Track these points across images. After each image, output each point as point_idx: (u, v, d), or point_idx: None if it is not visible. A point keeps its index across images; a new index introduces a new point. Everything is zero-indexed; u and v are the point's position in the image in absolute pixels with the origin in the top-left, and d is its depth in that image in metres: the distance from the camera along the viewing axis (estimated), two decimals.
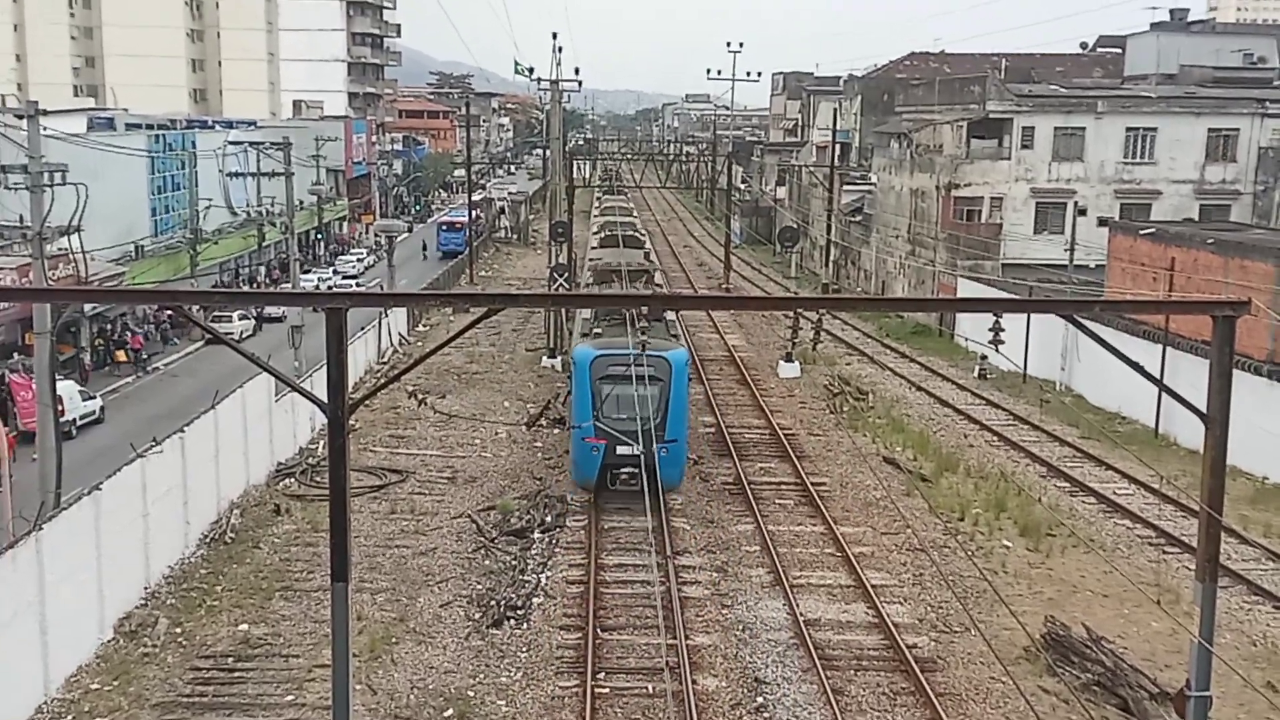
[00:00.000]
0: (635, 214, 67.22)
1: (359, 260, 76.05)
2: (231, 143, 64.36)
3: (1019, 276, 48.26)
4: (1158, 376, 14.05)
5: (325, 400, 10.96)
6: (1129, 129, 52.83)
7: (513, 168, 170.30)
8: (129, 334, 47.22)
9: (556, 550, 25.14)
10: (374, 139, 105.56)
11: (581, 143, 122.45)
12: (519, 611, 21.81)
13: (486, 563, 24.55)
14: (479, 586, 23.22)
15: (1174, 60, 64.37)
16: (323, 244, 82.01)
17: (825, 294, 63.69)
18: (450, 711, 18.42)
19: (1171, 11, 73.42)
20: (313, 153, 72.37)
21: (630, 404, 26.41)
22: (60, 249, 31.43)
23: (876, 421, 36.54)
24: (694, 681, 19.07)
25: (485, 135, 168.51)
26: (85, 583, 19.99)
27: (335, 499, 11.12)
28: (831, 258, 69.02)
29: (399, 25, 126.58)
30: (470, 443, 33.73)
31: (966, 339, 47.23)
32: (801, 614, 21.71)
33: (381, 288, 56.02)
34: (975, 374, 44.15)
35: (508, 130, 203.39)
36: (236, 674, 19.52)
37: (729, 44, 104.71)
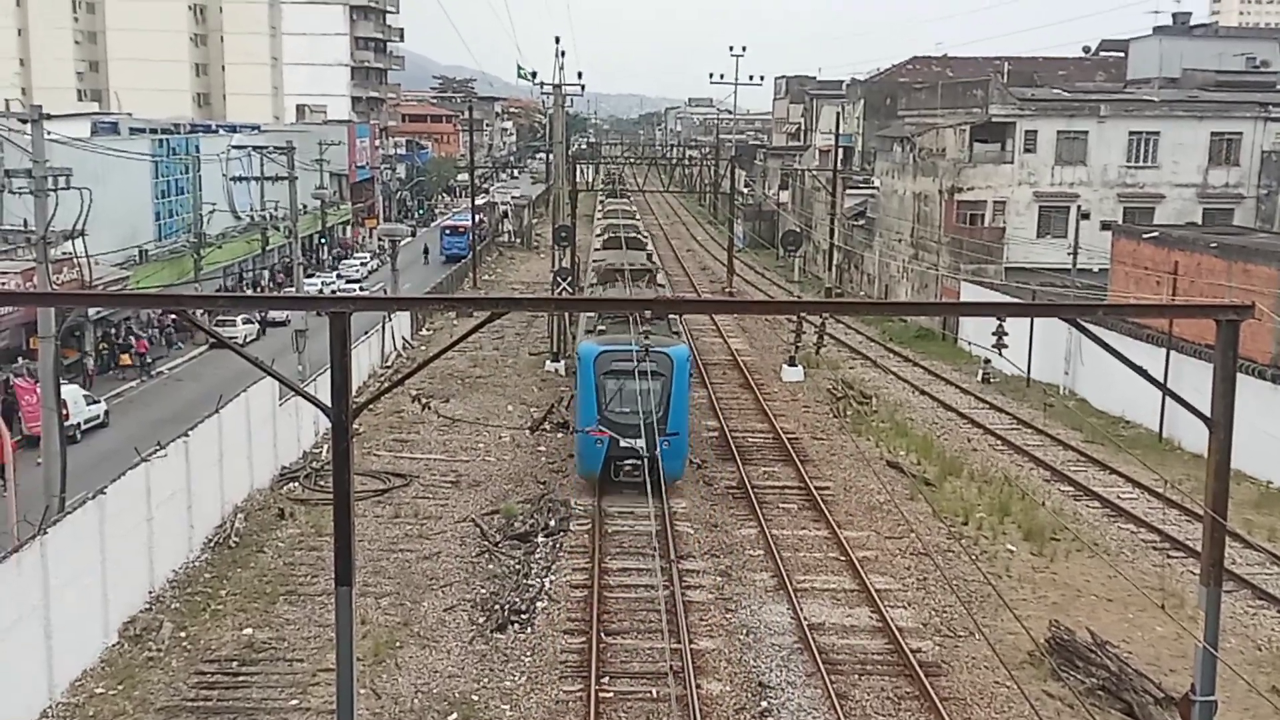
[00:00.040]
0: (638, 216, 67.40)
1: (362, 264, 76.15)
2: (235, 147, 64.44)
3: (1022, 280, 48.22)
4: (1161, 380, 14.05)
5: (329, 404, 10.98)
6: (1132, 133, 52.82)
7: (516, 172, 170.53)
8: (134, 338, 47.28)
9: (560, 554, 25.13)
10: (377, 143, 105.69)
11: (584, 146, 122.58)
12: (523, 616, 21.81)
13: (490, 567, 24.55)
14: (483, 591, 23.22)
15: (1176, 64, 64.45)
16: (326, 248, 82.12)
17: (828, 298, 63.61)
18: (454, 716, 18.42)
19: (1174, 15, 73.52)
20: (316, 157, 72.57)
21: (633, 398, 27.41)
22: (64, 253, 31.47)
23: (880, 425, 36.52)
24: (698, 686, 19.05)
25: (488, 139, 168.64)
26: (90, 587, 20.00)
27: (339, 503, 11.13)
28: (834, 262, 68.98)
29: (402, 29, 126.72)
30: (474, 447, 33.74)
31: (970, 343, 47.25)
32: (805, 618, 21.70)
33: (385, 292, 56.03)
34: (979, 378, 44.13)
35: (511, 134, 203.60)
36: (241, 678, 19.52)
37: (731, 48, 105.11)
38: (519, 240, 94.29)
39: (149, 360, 46.32)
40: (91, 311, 42.57)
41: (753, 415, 37.92)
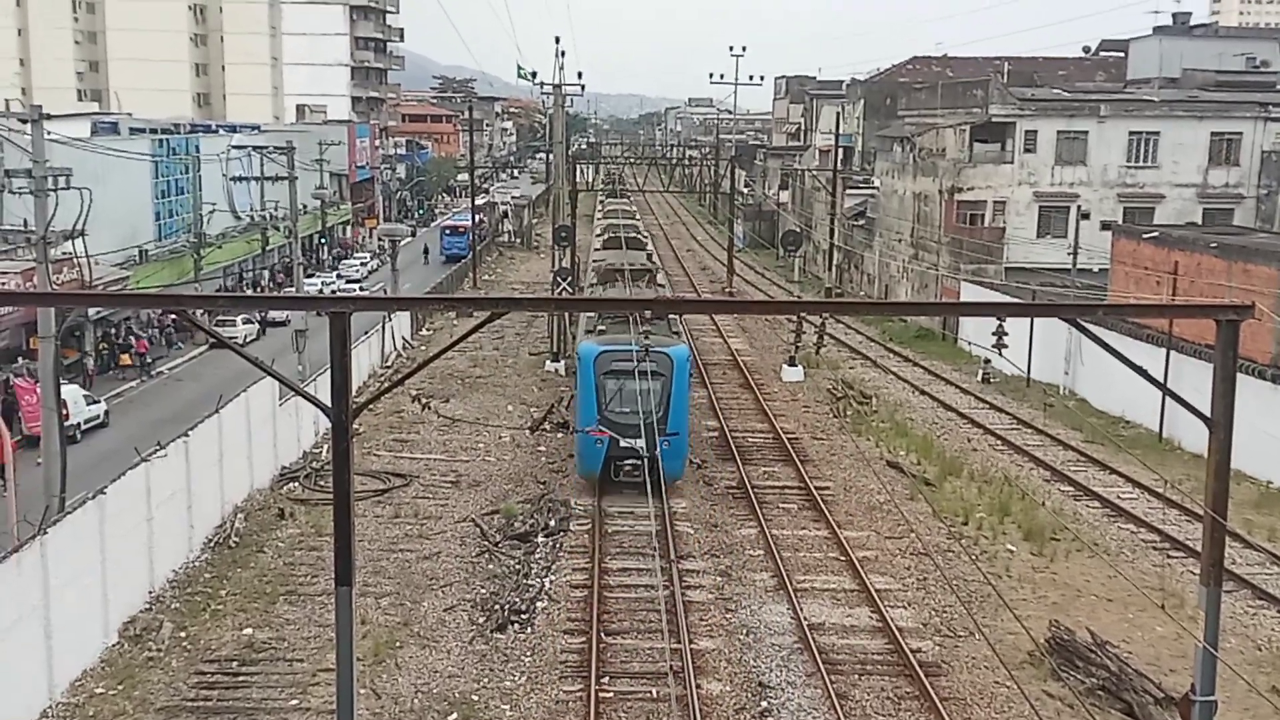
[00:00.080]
0: (638, 216, 67.46)
1: (362, 264, 76.15)
2: (235, 147, 64.45)
3: (1022, 280, 48.22)
4: (1161, 380, 14.06)
5: (329, 404, 10.98)
6: (1132, 133, 52.83)
7: (516, 172, 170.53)
8: (134, 338, 47.28)
9: (560, 554, 25.13)
10: (377, 143, 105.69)
11: (584, 146, 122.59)
12: (523, 616, 21.81)
13: (490, 567, 24.55)
14: (483, 591, 23.22)
15: (1176, 64, 64.45)
16: (326, 248, 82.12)
17: (828, 298, 63.64)
18: (454, 716, 18.42)
19: (1174, 15, 73.53)
20: (316, 157, 72.57)
21: (633, 398, 27.49)
22: (64, 253, 31.48)
23: (880, 425, 36.53)
24: (698, 686, 19.05)
25: (488, 139, 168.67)
26: (90, 587, 20.01)
27: (339, 503, 11.13)
28: (834, 262, 68.99)
29: (402, 29, 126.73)
30: (474, 447, 33.74)
31: (970, 343, 47.25)
32: (805, 618, 21.70)
33: (385, 292, 56.03)
34: (978, 378, 44.13)
35: (511, 134, 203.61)
36: (241, 678, 19.52)
37: (731, 48, 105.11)
38: (519, 240, 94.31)
39: (149, 360, 46.32)
40: (91, 311, 42.58)
41: (753, 415, 37.93)
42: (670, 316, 31.33)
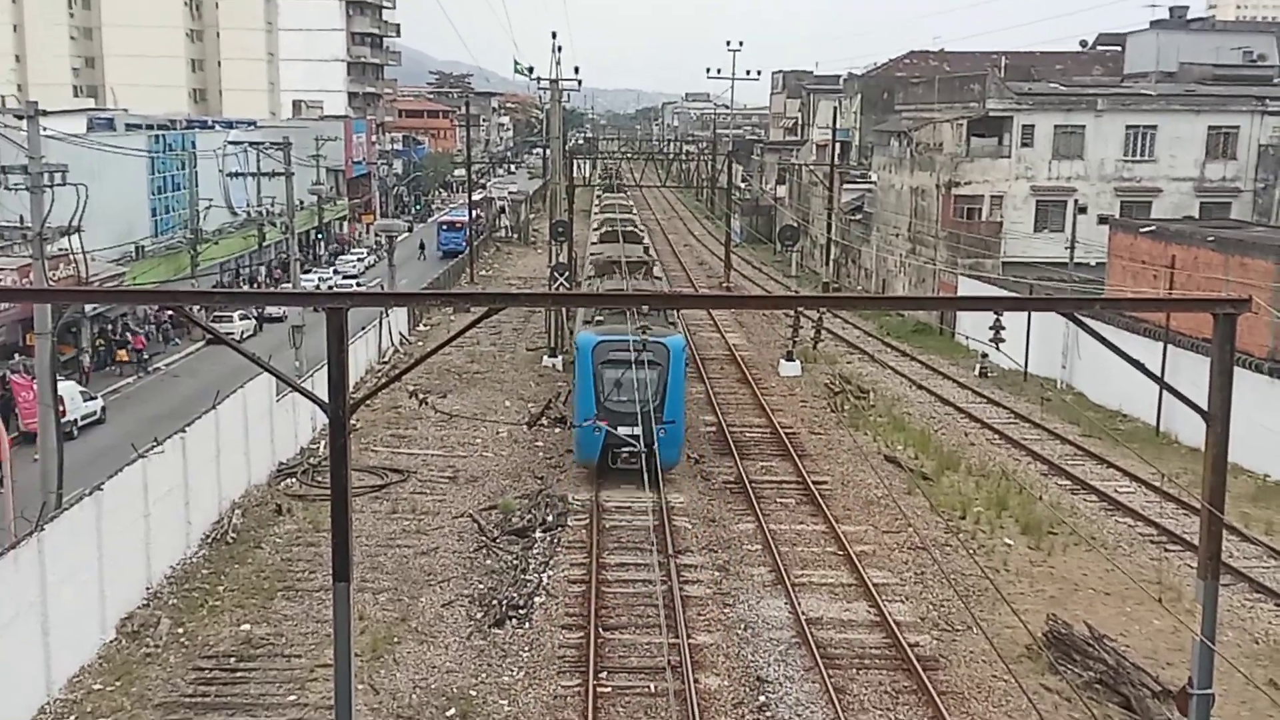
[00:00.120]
0: (635, 211, 67.52)
1: (359, 260, 76.07)
2: (231, 143, 64.37)
3: (1019, 275, 48.25)
4: (1159, 374, 14.06)
5: (326, 400, 10.96)
6: (1129, 127, 52.83)
7: (513, 167, 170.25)
8: (130, 334, 47.22)
9: (558, 549, 25.14)
10: (374, 138, 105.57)
11: (581, 142, 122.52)
12: (521, 611, 21.81)
13: (488, 562, 24.55)
14: (481, 586, 23.22)
15: (1174, 58, 64.32)
16: (323, 244, 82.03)
17: (826, 293, 63.75)
18: (452, 711, 18.43)
19: (1171, 9, 73.41)
20: (313, 152, 72.39)
21: (630, 387, 28.25)
22: (61, 249, 31.43)
23: (877, 420, 36.54)
24: (696, 680, 19.06)
25: (485, 134, 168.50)
26: (87, 583, 19.99)
27: (336, 499, 11.12)
28: (832, 256, 69.01)
29: (398, 25, 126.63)
30: (471, 442, 33.73)
31: (967, 337, 47.26)
32: (803, 612, 21.71)
33: (382, 287, 56.01)
34: (976, 372, 44.13)
35: (508, 129, 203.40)
36: (239, 674, 19.52)
37: (729, 43, 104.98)
38: (516, 235, 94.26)
39: (146, 356, 46.27)
40: (88, 308, 42.52)
41: (750, 410, 37.93)
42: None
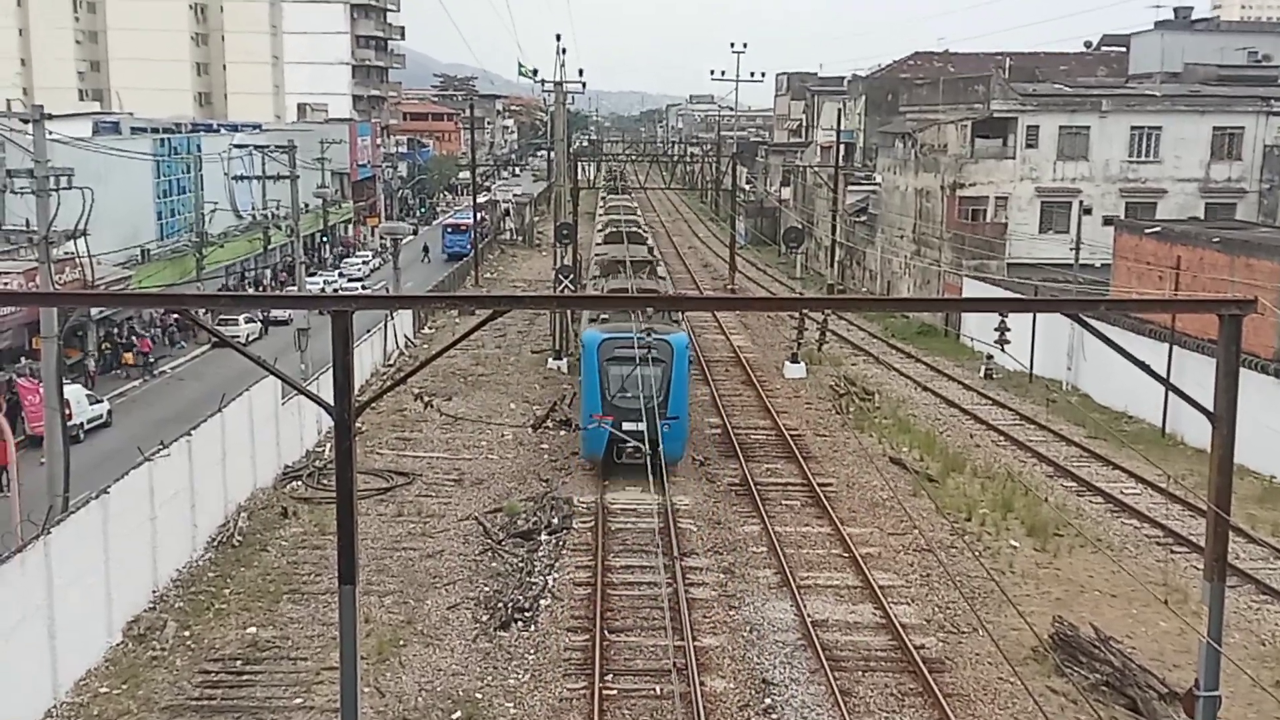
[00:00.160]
0: (639, 212, 67.59)
1: (364, 263, 76.18)
2: (236, 146, 64.46)
3: (1024, 276, 48.21)
4: (1164, 375, 14.05)
5: (332, 403, 10.97)
6: (1134, 128, 52.78)
7: (517, 169, 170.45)
8: (136, 337, 47.29)
9: (563, 552, 25.14)
10: (378, 142, 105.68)
11: (586, 144, 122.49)
12: (526, 613, 21.82)
13: (493, 565, 24.56)
14: (486, 589, 23.22)
15: (1178, 58, 64.32)
16: (328, 247, 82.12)
17: (830, 294, 63.68)
18: (458, 714, 18.43)
19: (1176, 10, 73.42)
20: (317, 156, 72.54)
21: (635, 383, 28.76)
22: (67, 253, 31.45)
23: (883, 422, 36.51)
24: (702, 683, 19.06)
25: (489, 137, 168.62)
26: (93, 586, 20.02)
27: (342, 502, 11.14)
28: (836, 258, 68.96)
29: (403, 28, 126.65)
30: (476, 445, 33.75)
31: (972, 339, 47.20)
32: (809, 615, 21.70)
33: (387, 290, 56.05)
34: (981, 374, 44.10)
35: (512, 132, 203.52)
36: (245, 677, 19.54)
37: (733, 44, 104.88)
38: (520, 238, 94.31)
39: (151, 360, 46.34)
40: (94, 311, 42.61)
41: (755, 412, 37.93)
42: None
